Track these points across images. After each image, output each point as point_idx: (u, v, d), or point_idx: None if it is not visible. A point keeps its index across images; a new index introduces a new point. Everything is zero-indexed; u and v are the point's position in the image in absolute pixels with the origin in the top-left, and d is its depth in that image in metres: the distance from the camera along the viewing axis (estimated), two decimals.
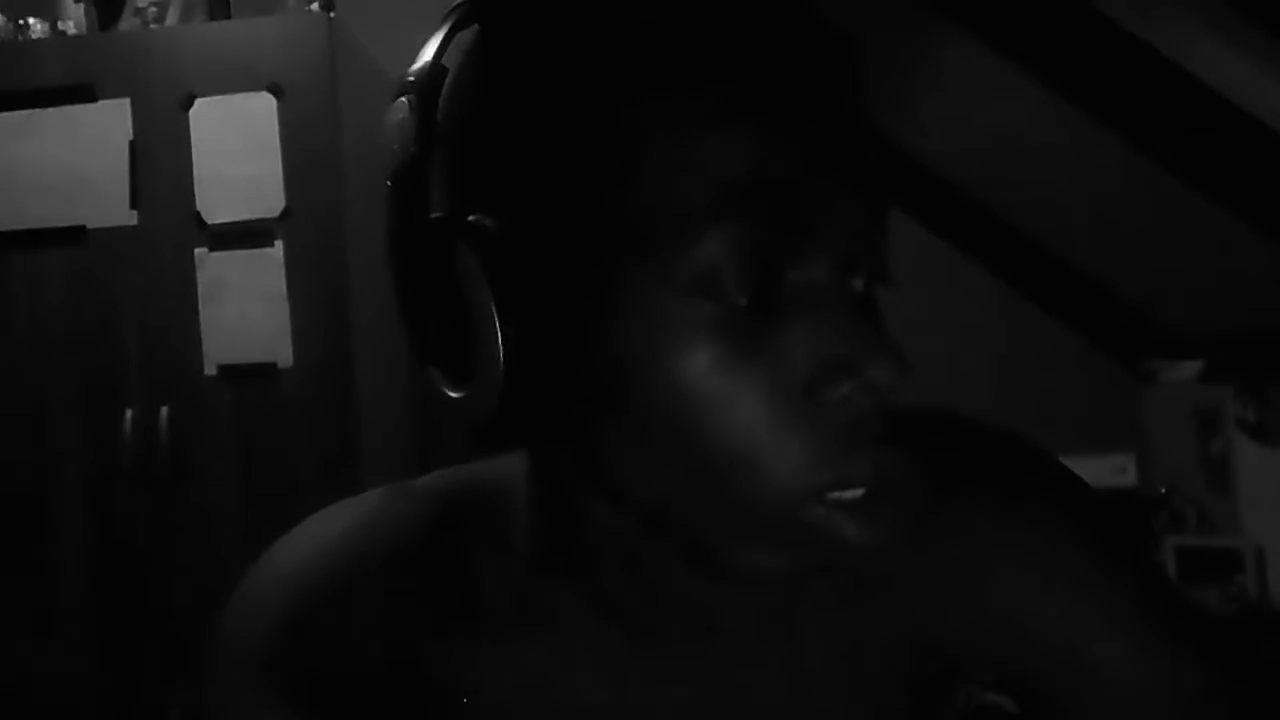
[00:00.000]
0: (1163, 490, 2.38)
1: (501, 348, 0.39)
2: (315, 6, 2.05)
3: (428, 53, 0.43)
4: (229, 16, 2.13)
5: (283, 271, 1.92)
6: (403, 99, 0.42)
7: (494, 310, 0.39)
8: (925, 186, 2.56)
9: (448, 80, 0.42)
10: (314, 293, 1.92)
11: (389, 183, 0.42)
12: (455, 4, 0.43)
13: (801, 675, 0.48)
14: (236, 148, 1.93)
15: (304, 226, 1.92)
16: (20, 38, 2.11)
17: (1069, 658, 0.46)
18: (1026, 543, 0.47)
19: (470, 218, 0.40)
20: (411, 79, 0.42)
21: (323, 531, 0.52)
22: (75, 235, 1.97)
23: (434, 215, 0.41)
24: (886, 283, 0.42)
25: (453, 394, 0.41)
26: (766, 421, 0.38)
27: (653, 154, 0.38)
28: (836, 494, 0.39)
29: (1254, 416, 2.13)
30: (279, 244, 1.92)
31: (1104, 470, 2.40)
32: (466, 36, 0.42)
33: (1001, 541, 0.47)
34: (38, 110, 1.98)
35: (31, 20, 2.12)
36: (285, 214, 1.92)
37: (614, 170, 0.38)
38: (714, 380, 0.38)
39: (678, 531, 0.41)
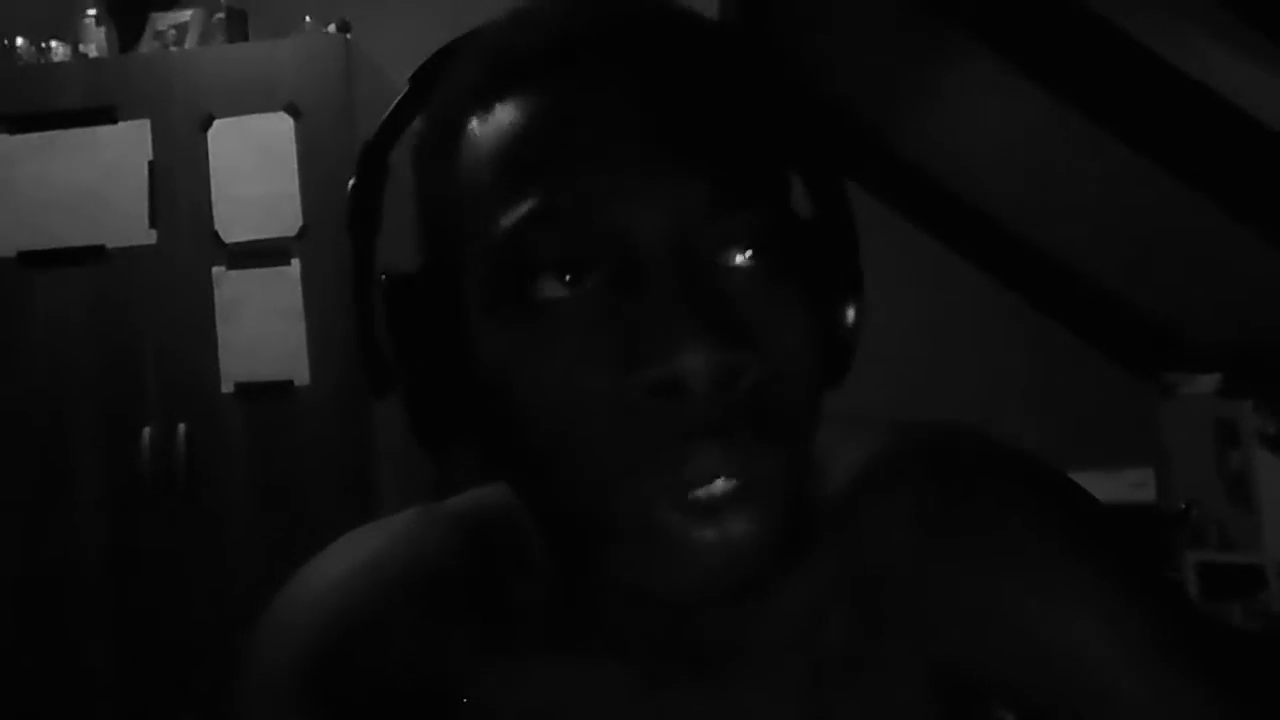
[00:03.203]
0: (1183, 505, 2.35)
1: (405, 376, 0.42)
2: (332, 28, 2.07)
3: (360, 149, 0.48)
4: (247, 39, 2.15)
5: (299, 290, 1.93)
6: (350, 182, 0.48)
7: (398, 344, 0.42)
8: (942, 204, 2.56)
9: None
10: (330, 311, 1.93)
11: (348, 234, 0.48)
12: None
13: (822, 708, 0.47)
14: (254, 168, 1.95)
15: (321, 245, 1.93)
16: (42, 60, 2.14)
17: (1087, 687, 0.45)
18: (1044, 569, 0.46)
19: (379, 273, 0.44)
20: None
21: (355, 554, 0.52)
22: (95, 254, 1.99)
23: (361, 265, 0.46)
24: (768, 254, 0.38)
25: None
26: (601, 418, 0.37)
27: (466, 170, 0.40)
28: (678, 495, 0.36)
29: (1274, 429, 2.11)
30: (296, 262, 1.93)
31: (1123, 485, 2.38)
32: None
33: (1020, 568, 0.46)
34: (59, 131, 2.01)
35: (53, 43, 2.16)
36: (302, 233, 1.94)
37: (448, 195, 0.42)
38: (552, 379, 0.38)
39: (575, 552, 0.41)
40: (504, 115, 0.39)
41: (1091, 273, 2.48)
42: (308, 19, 2.13)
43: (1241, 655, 0.47)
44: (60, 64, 2.13)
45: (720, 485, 0.36)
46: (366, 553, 0.52)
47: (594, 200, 0.37)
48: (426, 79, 0.46)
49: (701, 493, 0.36)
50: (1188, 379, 2.39)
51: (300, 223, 1.94)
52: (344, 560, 0.52)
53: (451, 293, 0.42)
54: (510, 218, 0.38)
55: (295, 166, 1.94)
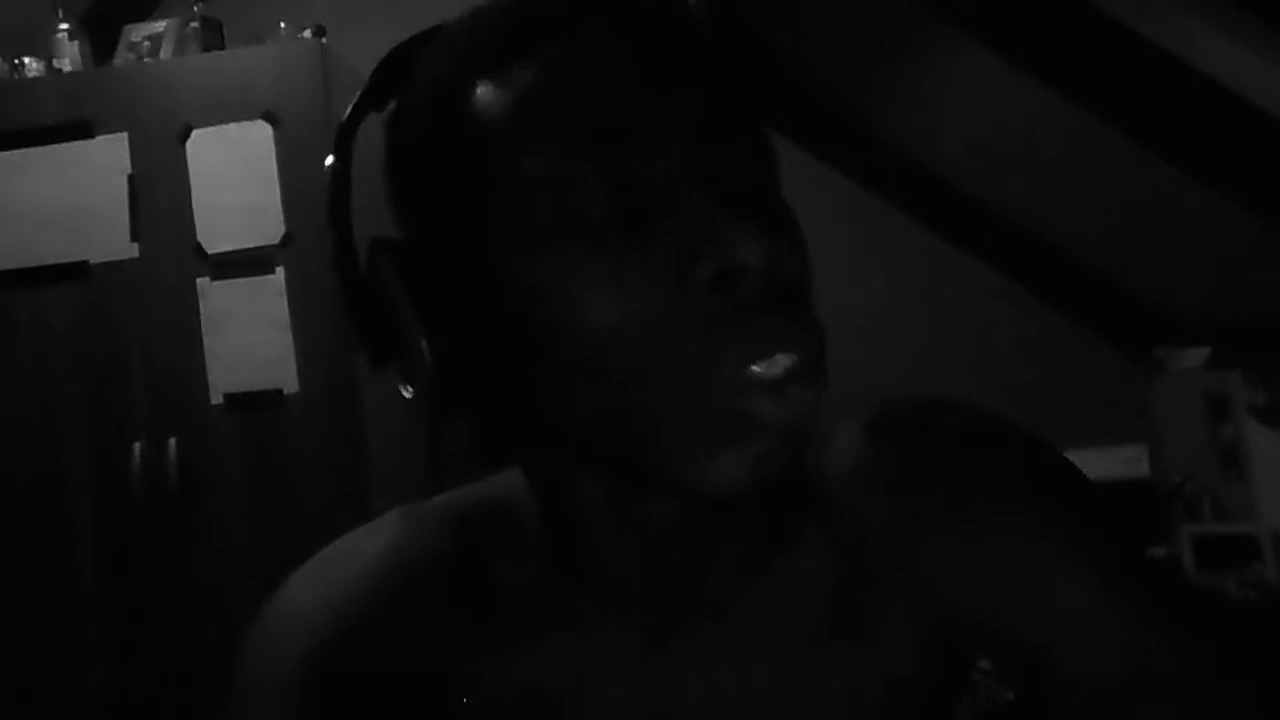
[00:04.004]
0: (1177, 479, 2.36)
1: (427, 340, 0.44)
2: (308, 34, 2.06)
3: (344, 115, 0.50)
4: (223, 47, 2.14)
5: (285, 298, 1.92)
6: (328, 158, 0.49)
7: (413, 310, 0.44)
8: (925, 184, 2.56)
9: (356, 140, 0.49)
10: (317, 318, 1.92)
11: (327, 222, 0.49)
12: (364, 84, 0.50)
13: (818, 662, 0.49)
14: (235, 177, 1.94)
15: (305, 252, 1.92)
16: (16, 76, 2.13)
17: (1050, 631, 0.48)
18: (1018, 524, 0.49)
19: (385, 239, 0.46)
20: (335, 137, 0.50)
21: (345, 557, 0.53)
22: (78, 270, 1.98)
23: (358, 241, 0.47)
24: (767, 181, 0.43)
25: (407, 393, 0.45)
26: (657, 321, 0.40)
27: (483, 130, 0.42)
28: (740, 374, 0.39)
29: (1263, 400, 2.12)
30: (280, 270, 1.93)
31: (1116, 461, 2.38)
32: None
33: (996, 527, 0.49)
34: (36, 148, 1.99)
35: (27, 59, 2.14)
36: (285, 241, 1.93)
37: (463, 158, 0.43)
38: (597, 299, 0.40)
39: (626, 466, 0.43)
40: (526, 72, 0.42)
41: (1078, 251, 2.49)
42: (283, 25, 2.12)
43: (1199, 603, 0.50)
44: (34, 79, 2.11)
45: (780, 360, 0.39)
46: (357, 556, 0.52)
47: (628, 134, 0.41)
48: (402, 60, 0.49)
49: (763, 367, 0.39)
50: (1177, 353, 2.40)
51: (283, 230, 1.93)
52: (329, 568, 0.53)
53: (469, 243, 0.43)
54: (548, 157, 0.41)
55: (276, 174, 1.93)
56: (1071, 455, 0.53)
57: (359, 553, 0.52)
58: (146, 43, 2.17)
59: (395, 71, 0.49)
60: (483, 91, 0.42)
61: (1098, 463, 2.21)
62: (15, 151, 2.00)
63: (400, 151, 0.47)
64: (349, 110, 0.50)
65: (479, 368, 0.44)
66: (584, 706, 0.49)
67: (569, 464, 0.46)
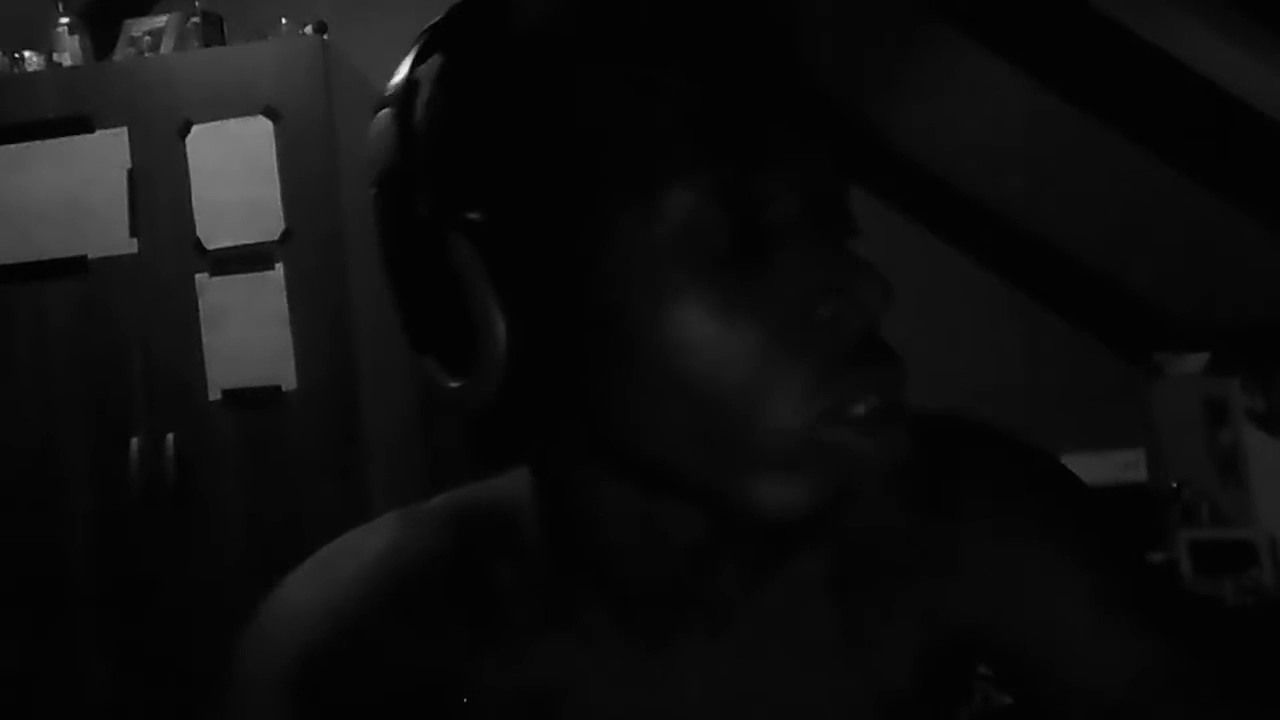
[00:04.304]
0: (1174, 484, 2.36)
1: (504, 329, 0.41)
2: (309, 30, 2.06)
3: (402, 70, 0.45)
4: (223, 43, 2.14)
5: (284, 294, 1.92)
6: (384, 112, 0.45)
7: (492, 293, 0.41)
8: (924, 187, 2.56)
9: (422, 92, 0.44)
10: (316, 314, 1.92)
11: (374, 189, 0.45)
12: (426, 28, 0.46)
13: (811, 667, 0.49)
14: (234, 172, 1.94)
15: (304, 248, 1.92)
16: (16, 70, 2.12)
17: (1051, 636, 0.48)
18: (1016, 528, 0.50)
19: (462, 213, 0.42)
20: (389, 94, 0.45)
21: (344, 557, 0.52)
22: (77, 265, 1.97)
23: (424, 214, 0.43)
24: (855, 234, 0.44)
25: (452, 384, 0.43)
26: (768, 352, 0.40)
27: (611, 116, 0.40)
28: (844, 412, 0.40)
29: (1262, 406, 2.12)
30: (279, 267, 1.92)
31: (1114, 466, 2.38)
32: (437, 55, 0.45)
33: (995, 527, 0.50)
34: (36, 142, 1.99)
35: (27, 53, 2.14)
36: (285, 236, 1.92)
37: (580, 137, 0.41)
38: (710, 323, 0.40)
39: (690, 483, 0.42)
40: (675, 77, 0.40)
41: (1077, 254, 2.49)
42: (284, 21, 2.11)
43: (1199, 609, 0.51)
44: (34, 74, 2.11)
45: (875, 401, 0.40)
46: (350, 558, 0.52)
47: (765, 161, 0.40)
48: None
49: (865, 408, 0.40)
50: (1176, 359, 2.40)
51: (282, 226, 1.92)
52: (328, 567, 0.52)
53: (573, 237, 0.41)
54: (696, 176, 0.40)
55: (275, 170, 1.93)
56: (1069, 459, 0.54)
57: (358, 553, 0.52)
58: (147, 37, 2.16)
59: (487, 12, 0.44)
60: (621, 84, 0.40)
61: (1095, 467, 2.21)
62: (15, 146, 1.99)
63: (496, 120, 0.42)
64: (414, 55, 0.45)
65: (550, 363, 0.42)
66: (583, 707, 0.49)
67: (602, 469, 0.45)
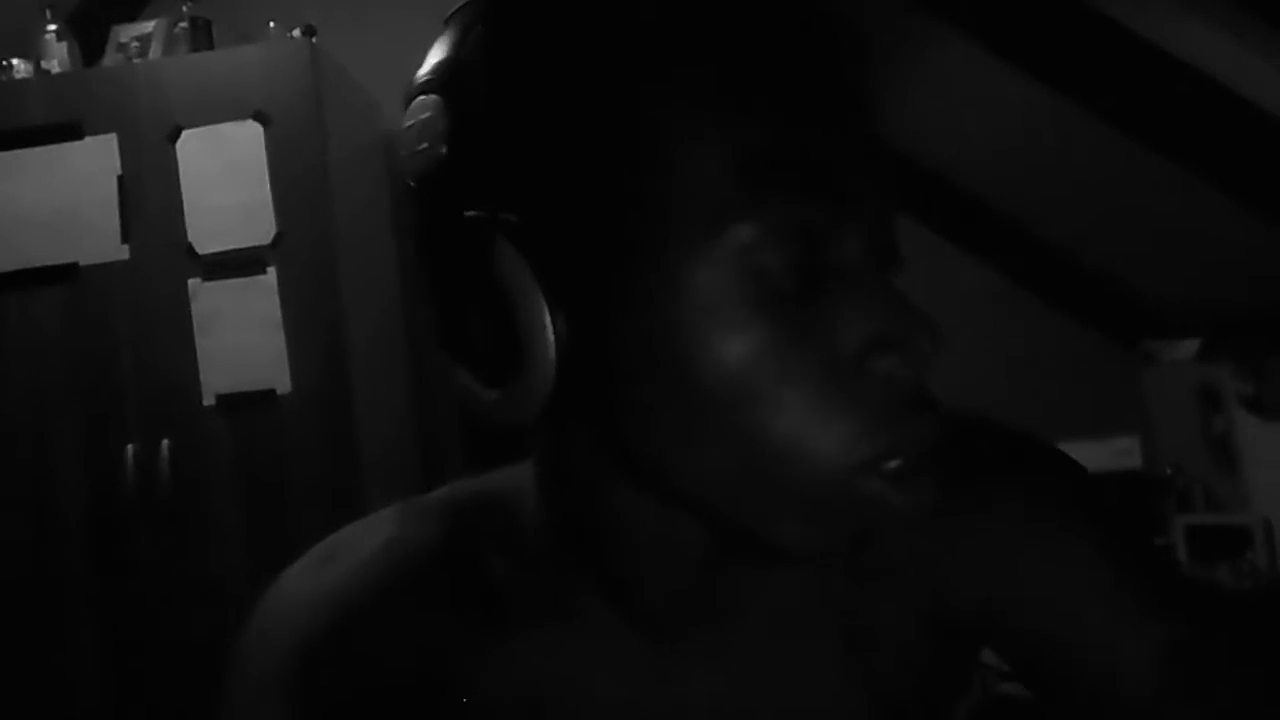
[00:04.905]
0: (1169, 470, 2.37)
1: (552, 341, 0.39)
2: (297, 33, 2.06)
3: (439, 53, 0.42)
4: (212, 47, 2.13)
5: (277, 298, 1.92)
6: (425, 98, 0.42)
7: (544, 304, 0.39)
8: (917, 178, 2.57)
9: (472, 75, 0.41)
10: (309, 317, 1.92)
11: (413, 183, 0.42)
12: (461, 3, 0.43)
13: (815, 664, 0.49)
14: (225, 177, 1.94)
15: (296, 252, 1.92)
16: (4, 78, 2.11)
17: (1058, 626, 0.48)
18: (1025, 520, 0.50)
19: (510, 215, 0.40)
20: (432, 77, 0.42)
21: (343, 550, 0.52)
22: (68, 272, 1.97)
23: (470, 214, 0.41)
24: (899, 266, 0.43)
25: (488, 393, 0.41)
26: (817, 398, 0.39)
27: (678, 133, 0.39)
28: (884, 464, 0.39)
29: (1254, 391, 2.13)
30: (271, 271, 1.92)
31: (1108, 454, 2.39)
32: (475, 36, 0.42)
33: (1003, 520, 0.50)
34: (25, 150, 1.98)
35: (15, 61, 2.13)
36: (277, 240, 1.92)
37: (644, 153, 0.39)
38: (764, 360, 0.39)
39: (719, 513, 0.42)
40: (741, 112, 0.39)
41: (1069, 243, 2.49)
42: (272, 25, 2.11)
43: (1204, 592, 0.52)
44: (23, 81, 2.10)
45: (913, 455, 0.40)
46: (349, 551, 0.52)
47: (835, 199, 0.39)
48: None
49: (901, 461, 0.39)
50: (1168, 345, 2.41)
51: (274, 230, 1.92)
52: (327, 560, 0.52)
53: (628, 250, 0.39)
54: (764, 210, 0.38)
55: (266, 174, 1.92)
56: (1064, 447, 0.53)
57: (357, 546, 0.52)
58: (135, 43, 2.16)
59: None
60: (694, 107, 0.39)
61: (1090, 454, 2.22)
62: (4, 154, 1.99)
63: (556, 113, 0.39)
64: (457, 31, 0.42)
65: (589, 378, 0.41)
66: (584, 705, 0.48)
67: (622, 479, 0.44)
